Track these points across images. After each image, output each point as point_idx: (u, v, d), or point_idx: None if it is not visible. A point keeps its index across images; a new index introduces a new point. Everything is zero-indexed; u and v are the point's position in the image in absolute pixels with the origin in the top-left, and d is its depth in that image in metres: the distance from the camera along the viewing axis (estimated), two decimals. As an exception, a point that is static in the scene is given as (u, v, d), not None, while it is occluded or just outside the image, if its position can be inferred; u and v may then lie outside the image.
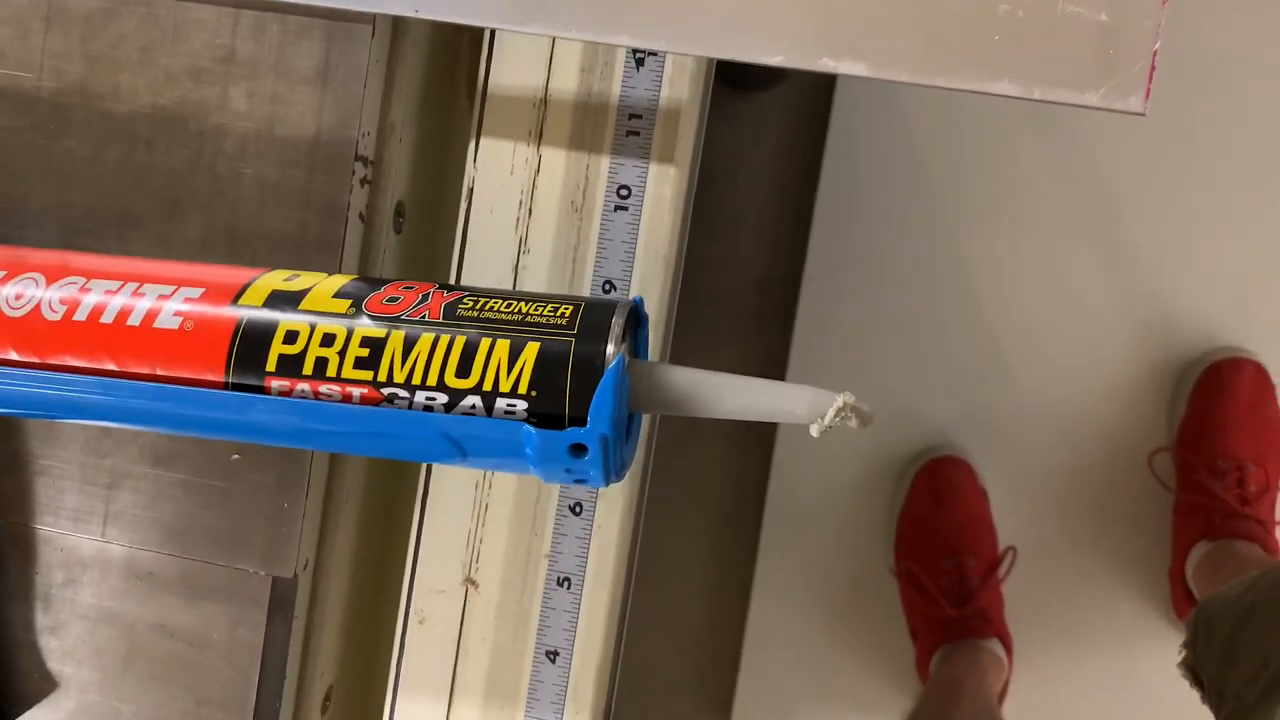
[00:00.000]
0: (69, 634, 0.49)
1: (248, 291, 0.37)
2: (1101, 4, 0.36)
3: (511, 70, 0.47)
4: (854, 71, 0.38)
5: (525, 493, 0.48)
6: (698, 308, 1.15)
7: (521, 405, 0.34)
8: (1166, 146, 1.09)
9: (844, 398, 0.33)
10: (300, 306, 0.36)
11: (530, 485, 0.48)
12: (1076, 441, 1.12)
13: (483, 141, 0.47)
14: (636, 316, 0.36)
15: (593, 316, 0.35)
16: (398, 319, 0.35)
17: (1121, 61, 0.36)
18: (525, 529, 0.48)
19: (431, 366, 0.34)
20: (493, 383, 0.34)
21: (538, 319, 0.35)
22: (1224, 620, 0.76)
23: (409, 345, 0.35)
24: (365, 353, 0.35)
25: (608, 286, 0.46)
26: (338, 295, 0.36)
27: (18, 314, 0.37)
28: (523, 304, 0.35)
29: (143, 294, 0.37)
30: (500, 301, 0.35)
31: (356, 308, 0.36)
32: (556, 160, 0.47)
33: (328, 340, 0.35)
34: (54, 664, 0.49)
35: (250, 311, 0.36)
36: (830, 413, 0.33)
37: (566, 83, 0.46)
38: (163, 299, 0.37)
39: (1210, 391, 1.07)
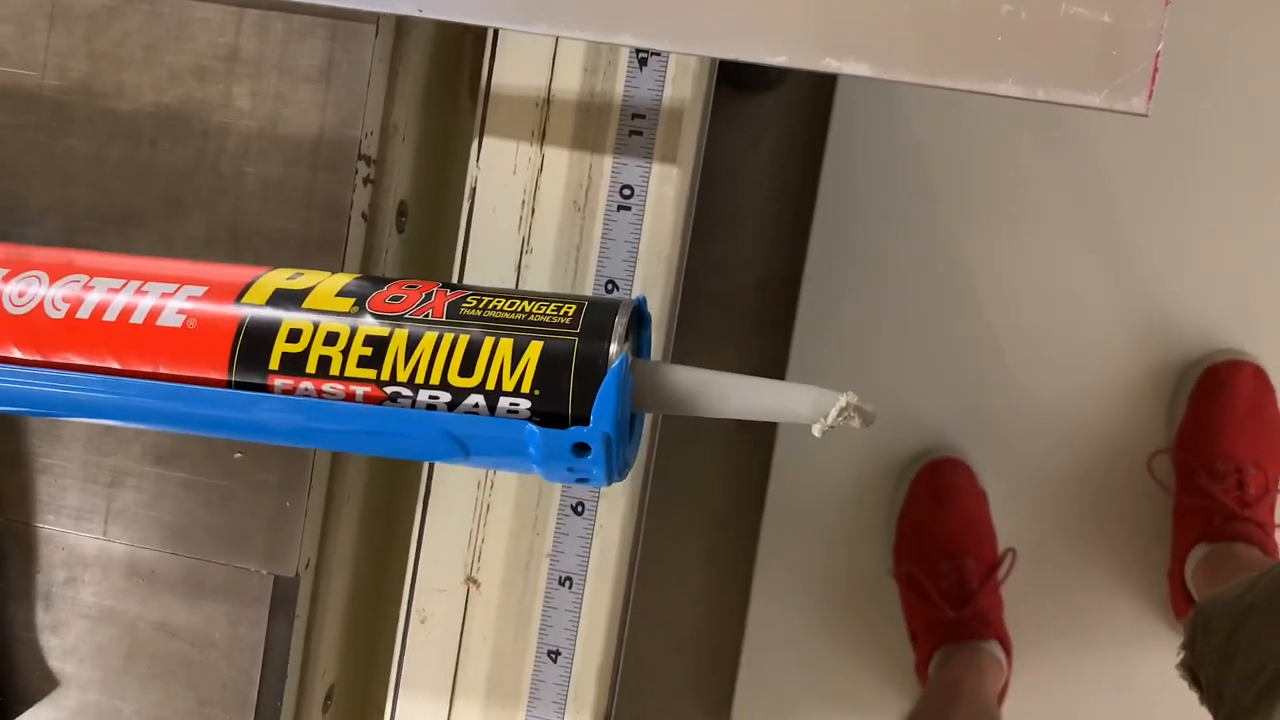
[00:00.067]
0: (70, 632, 0.49)
1: (251, 290, 0.37)
2: (1104, 5, 0.36)
3: (514, 70, 0.47)
4: (857, 72, 0.38)
5: (527, 492, 0.48)
6: (698, 308, 1.16)
7: (524, 404, 0.34)
8: (1166, 148, 1.09)
9: (847, 397, 0.33)
10: (303, 305, 0.36)
11: (532, 485, 0.48)
12: (1076, 443, 1.12)
13: (486, 141, 0.47)
14: (639, 316, 0.36)
15: (596, 316, 0.35)
16: (401, 318, 0.35)
17: (1124, 62, 0.36)
18: (527, 528, 0.48)
19: (435, 365, 0.34)
20: (496, 382, 0.34)
21: (541, 318, 0.35)
22: (1222, 621, 0.76)
23: (412, 344, 0.35)
24: (368, 351, 0.35)
25: (610, 286, 0.46)
26: (341, 294, 0.36)
27: (20, 312, 0.37)
28: (526, 303, 0.35)
29: (146, 292, 0.37)
30: (503, 301, 0.35)
31: (360, 306, 0.36)
32: (559, 160, 0.47)
33: (331, 339, 0.35)
34: (55, 662, 0.49)
35: (253, 310, 0.36)
36: (833, 412, 0.33)
37: (569, 82, 0.47)
38: (166, 297, 0.37)
39: (1210, 393, 1.07)
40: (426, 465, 0.49)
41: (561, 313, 0.35)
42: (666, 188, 0.46)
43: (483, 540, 0.48)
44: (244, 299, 0.36)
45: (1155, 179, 1.10)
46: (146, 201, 0.47)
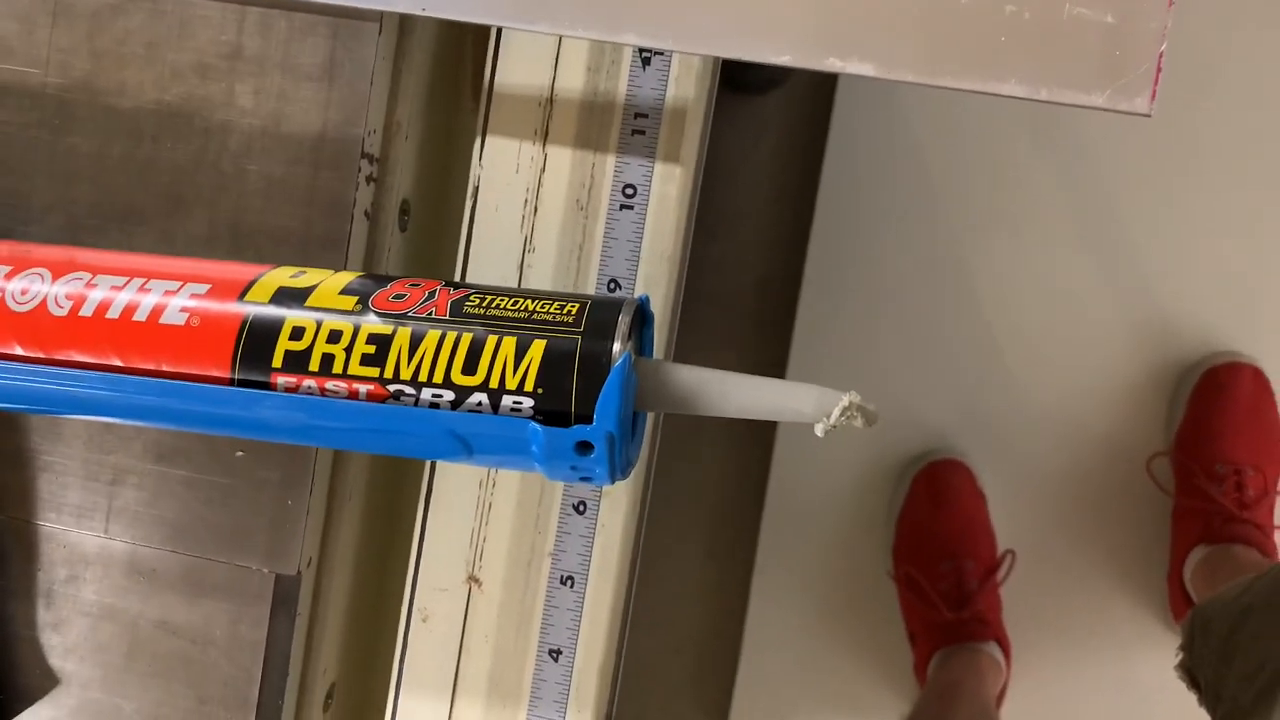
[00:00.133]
0: (71, 630, 0.49)
1: (254, 288, 0.37)
2: (1108, 6, 0.36)
3: (517, 68, 0.47)
4: (860, 71, 0.38)
5: (529, 491, 0.48)
6: (698, 308, 1.16)
7: (528, 403, 0.34)
8: (1167, 148, 1.09)
9: (850, 397, 0.33)
10: (306, 303, 0.36)
11: (534, 483, 0.48)
12: (1075, 445, 1.12)
13: (488, 140, 0.47)
14: (642, 315, 0.37)
15: (599, 314, 0.35)
16: (404, 316, 0.35)
17: (1127, 63, 0.36)
18: (529, 527, 0.48)
19: (438, 363, 0.34)
20: (499, 380, 0.34)
21: (544, 317, 0.35)
22: (1221, 622, 0.76)
23: (415, 342, 0.35)
24: (371, 349, 0.35)
25: (613, 285, 0.46)
26: (344, 292, 0.36)
27: (23, 309, 0.37)
28: (529, 301, 0.35)
29: (149, 290, 0.37)
30: (506, 299, 0.35)
31: (363, 304, 0.36)
32: (562, 159, 0.47)
33: (334, 337, 0.35)
34: (56, 660, 0.49)
35: (256, 308, 0.36)
36: (836, 412, 0.33)
37: (572, 81, 0.47)
38: (169, 295, 0.37)
39: (1209, 395, 1.07)
40: (428, 464, 0.49)
41: (565, 311, 0.35)
42: (669, 187, 0.46)
43: (484, 539, 0.48)
44: (247, 297, 0.36)
45: (1156, 179, 1.10)
46: (148, 199, 0.47)
